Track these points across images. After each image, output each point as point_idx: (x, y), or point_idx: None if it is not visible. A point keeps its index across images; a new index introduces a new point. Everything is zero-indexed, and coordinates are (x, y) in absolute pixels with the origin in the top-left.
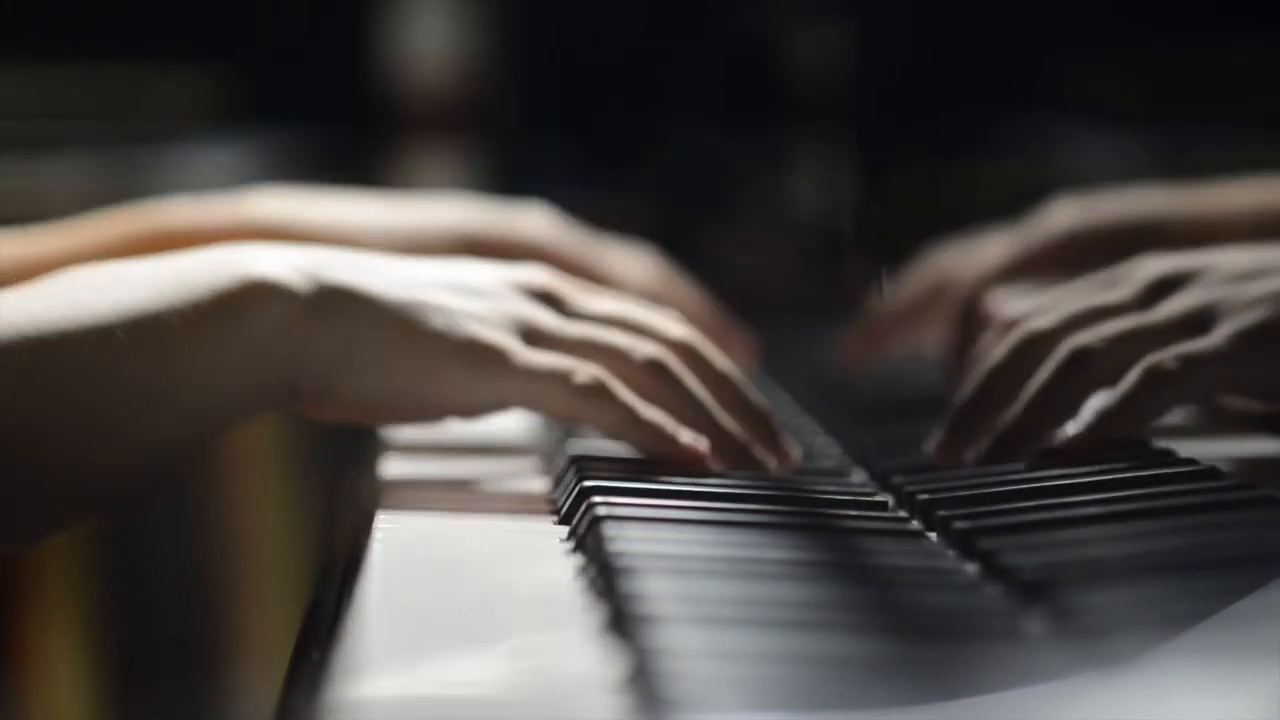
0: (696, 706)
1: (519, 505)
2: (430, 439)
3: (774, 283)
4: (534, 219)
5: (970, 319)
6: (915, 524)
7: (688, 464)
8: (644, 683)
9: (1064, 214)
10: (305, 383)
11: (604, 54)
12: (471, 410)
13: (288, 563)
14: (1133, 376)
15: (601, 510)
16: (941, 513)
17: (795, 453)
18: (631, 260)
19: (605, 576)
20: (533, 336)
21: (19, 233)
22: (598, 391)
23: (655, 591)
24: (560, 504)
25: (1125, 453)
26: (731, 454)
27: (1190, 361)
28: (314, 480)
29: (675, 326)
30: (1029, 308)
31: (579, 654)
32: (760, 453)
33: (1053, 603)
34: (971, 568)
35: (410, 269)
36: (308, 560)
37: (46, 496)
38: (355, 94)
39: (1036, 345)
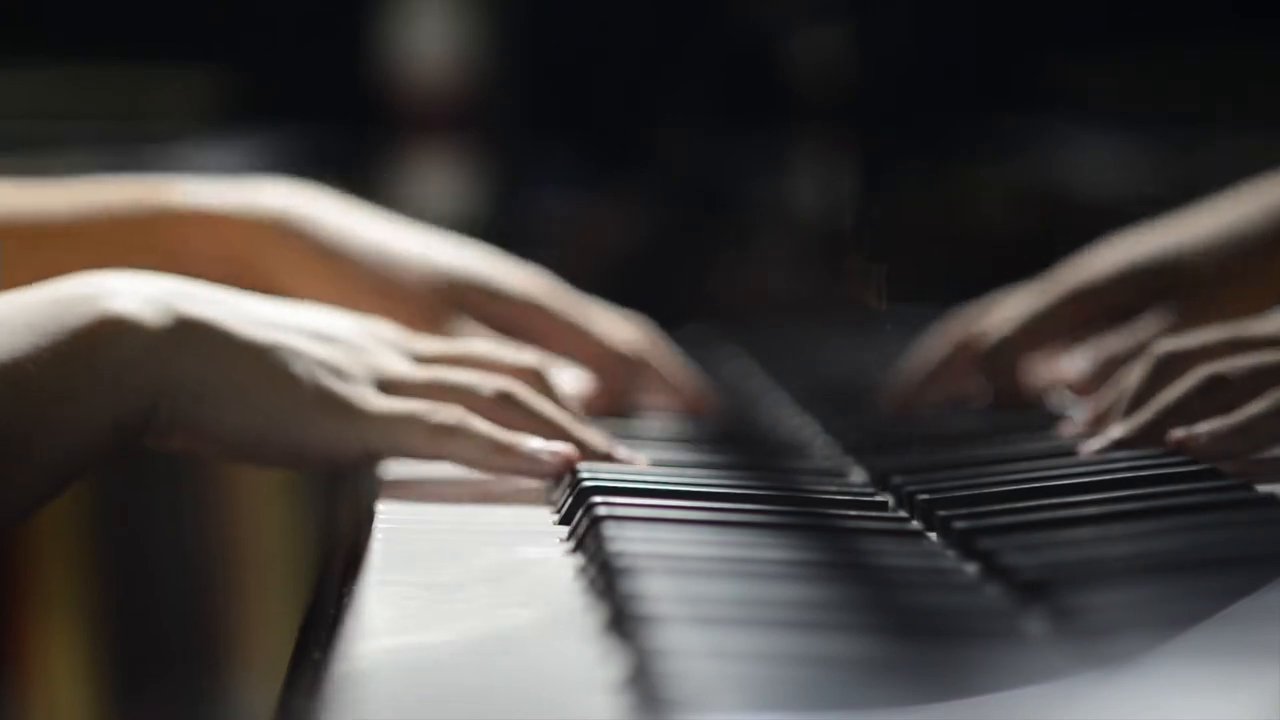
0: (696, 706)
1: (519, 505)
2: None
3: (774, 283)
4: (525, 274)
5: (1000, 366)
6: (915, 524)
7: (558, 475)
8: (644, 683)
9: (1082, 269)
10: (160, 415)
11: (604, 54)
12: (335, 458)
13: (288, 563)
14: (1262, 403)
15: (601, 510)
16: (941, 513)
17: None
18: (617, 322)
19: (605, 576)
20: (386, 385)
21: (29, 187)
22: (453, 429)
23: (655, 591)
24: (560, 504)
25: (1125, 453)
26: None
27: None
28: (314, 480)
29: (521, 355)
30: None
31: (579, 654)
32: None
33: (1053, 603)
34: (971, 568)
35: (267, 310)
36: (308, 560)
37: None
38: (355, 94)
39: (1172, 366)
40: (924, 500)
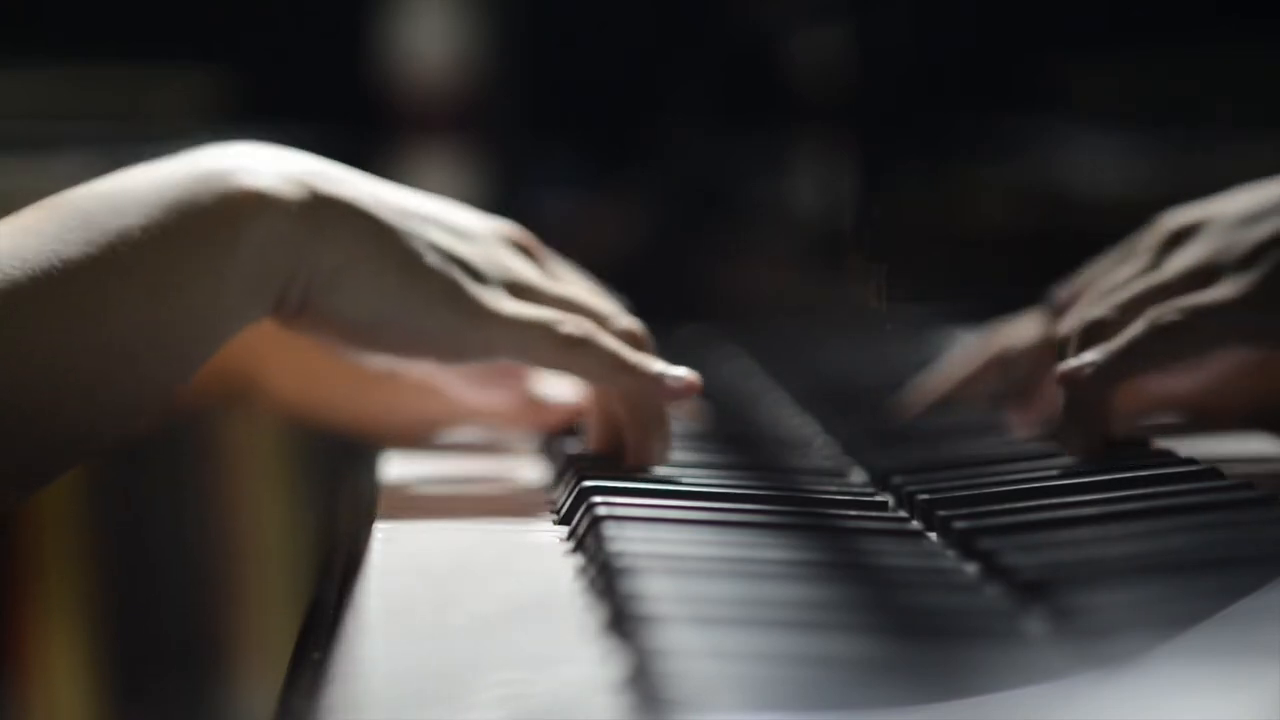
0: (696, 706)
1: (519, 505)
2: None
3: (773, 283)
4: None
5: (1020, 374)
6: (915, 524)
7: (681, 397)
8: (644, 683)
9: None
10: (293, 293)
11: (604, 54)
12: (458, 353)
13: (288, 563)
14: (1137, 325)
15: (601, 510)
16: (941, 513)
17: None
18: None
19: (605, 576)
20: (517, 289)
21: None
22: (582, 341)
23: (655, 591)
24: (560, 504)
25: (1125, 453)
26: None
27: (1193, 312)
28: (314, 481)
29: (624, 318)
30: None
31: (579, 654)
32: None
33: (1053, 603)
34: (971, 568)
35: (405, 197)
36: (308, 560)
37: (60, 436)
38: (355, 94)
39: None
40: (924, 500)
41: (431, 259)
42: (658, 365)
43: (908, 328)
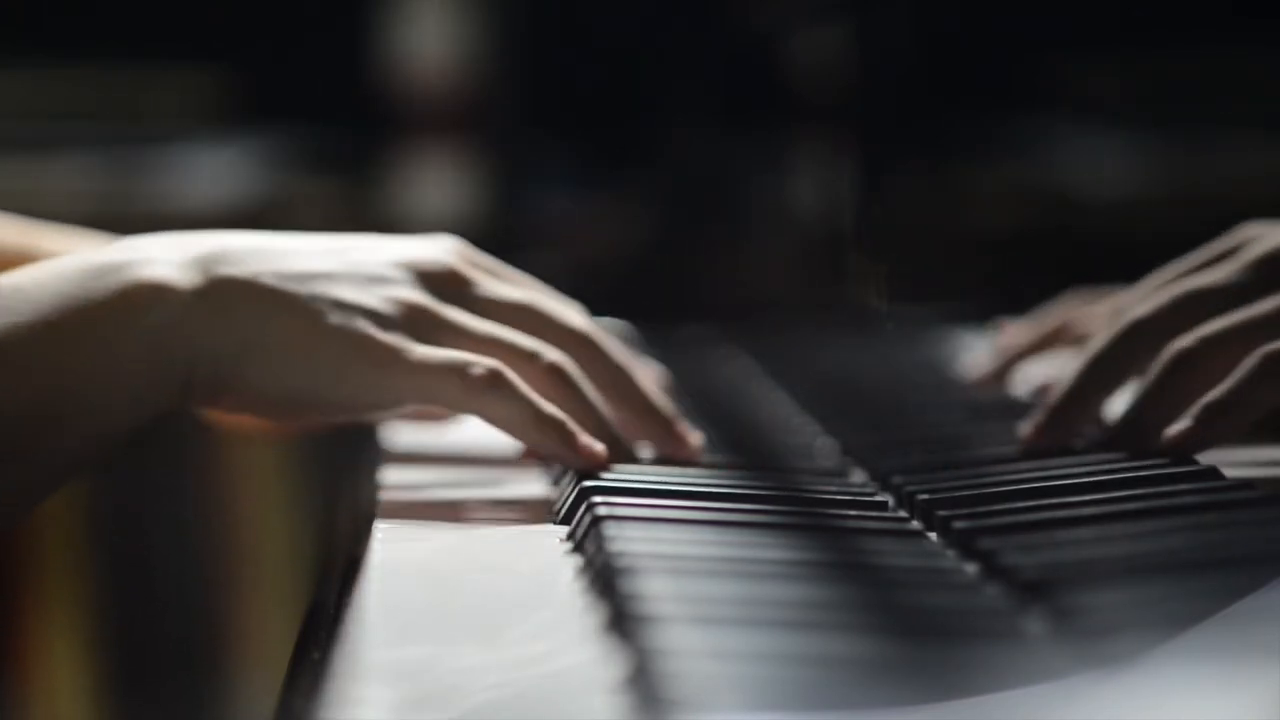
0: (696, 706)
1: (519, 505)
2: (430, 441)
3: (774, 283)
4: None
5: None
6: (915, 524)
7: (583, 464)
8: (644, 683)
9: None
10: (199, 376)
11: (604, 54)
12: (371, 407)
13: (288, 563)
14: (1247, 366)
15: (601, 510)
16: (941, 513)
17: (695, 439)
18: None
19: (605, 576)
20: (431, 327)
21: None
22: (494, 384)
23: (655, 591)
24: (560, 504)
25: (1125, 453)
26: (622, 458)
27: None
28: (314, 482)
29: (576, 317)
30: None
31: (579, 654)
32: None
33: (1053, 603)
34: (971, 568)
35: (308, 257)
36: (308, 561)
37: None
38: (355, 94)
39: (1137, 334)
40: (924, 500)
41: (334, 318)
42: (571, 425)
43: (908, 328)
